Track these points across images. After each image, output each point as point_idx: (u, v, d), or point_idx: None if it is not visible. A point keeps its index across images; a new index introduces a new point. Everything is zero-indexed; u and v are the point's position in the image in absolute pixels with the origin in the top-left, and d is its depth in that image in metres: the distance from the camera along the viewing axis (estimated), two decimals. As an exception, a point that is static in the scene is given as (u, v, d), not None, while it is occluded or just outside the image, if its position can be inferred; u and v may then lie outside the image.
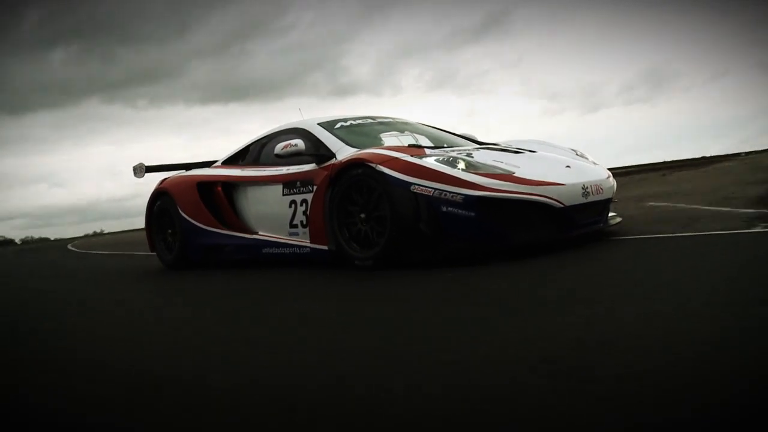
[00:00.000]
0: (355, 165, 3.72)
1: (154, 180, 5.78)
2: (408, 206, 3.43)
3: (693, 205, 5.36)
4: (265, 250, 4.58)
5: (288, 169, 4.42)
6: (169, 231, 5.36)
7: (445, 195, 3.38)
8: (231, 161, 5.32)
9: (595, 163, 4.25)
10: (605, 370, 1.39)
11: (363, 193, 3.69)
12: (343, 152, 4.11)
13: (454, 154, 3.75)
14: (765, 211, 4.16)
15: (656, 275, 2.56)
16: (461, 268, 3.22)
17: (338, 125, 4.57)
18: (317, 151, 4.30)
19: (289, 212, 4.33)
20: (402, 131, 4.86)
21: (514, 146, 4.33)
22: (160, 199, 5.44)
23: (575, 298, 2.26)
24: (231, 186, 4.96)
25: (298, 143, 4.21)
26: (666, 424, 1.09)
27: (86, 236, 48.40)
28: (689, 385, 1.25)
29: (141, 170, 5.66)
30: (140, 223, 5.78)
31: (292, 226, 4.32)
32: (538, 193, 3.44)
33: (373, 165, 3.58)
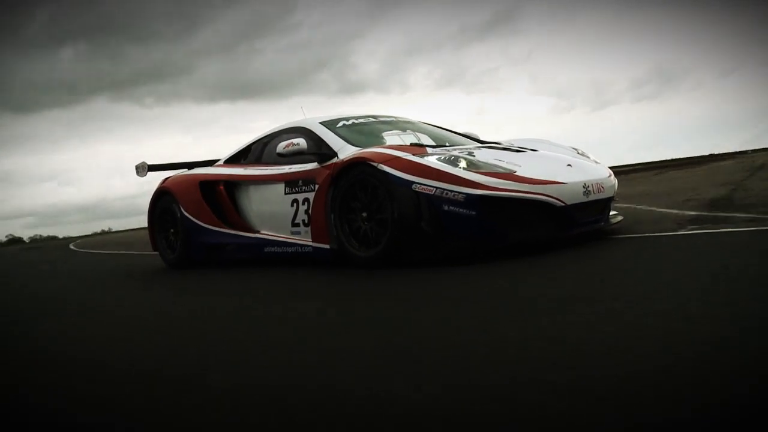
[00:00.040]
0: (357, 164, 3.72)
1: (157, 178, 5.80)
2: (410, 205, 3.43)
3: (651, 207, 5.43)
4: (267, 249, 4.58)
5: (290, 168, 4.42)
6: (172, 230, 5.37)
7: (447, 194, 3.38)
8: (233, 160, 5.32)
9: (596, 162, 4.24)
10: (605, 370, 1.38)
11: (365, 192, 3.68)
12: (345, 151, 4.11)
13: (455, 152, 3.75)
14: (704, 214, 4.28)
15: (656, 275, 2.55)
16: (461, 267, 3.22)
17: (340, 124, 4.57)
18: (319, 150, 4.30)
19: (291, 211, 4.33)
20: (404, 130, 4.85)
21: (515, 145, 4.33)
22: (162, 198, 5.45)
23: (575, 297, 2.25)
24: (233, 185, 4.97)
25: (300, 142, 4.22)
26: (666, 424, 1.09)
27: (94, 234, 48.43)
28: (689, 385, 1.25)
29: (143, 169, 5.66)
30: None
31: (294, 225, 4.32)
32: (540, 192, 3.44)
33: (375, 164, 3.58)
